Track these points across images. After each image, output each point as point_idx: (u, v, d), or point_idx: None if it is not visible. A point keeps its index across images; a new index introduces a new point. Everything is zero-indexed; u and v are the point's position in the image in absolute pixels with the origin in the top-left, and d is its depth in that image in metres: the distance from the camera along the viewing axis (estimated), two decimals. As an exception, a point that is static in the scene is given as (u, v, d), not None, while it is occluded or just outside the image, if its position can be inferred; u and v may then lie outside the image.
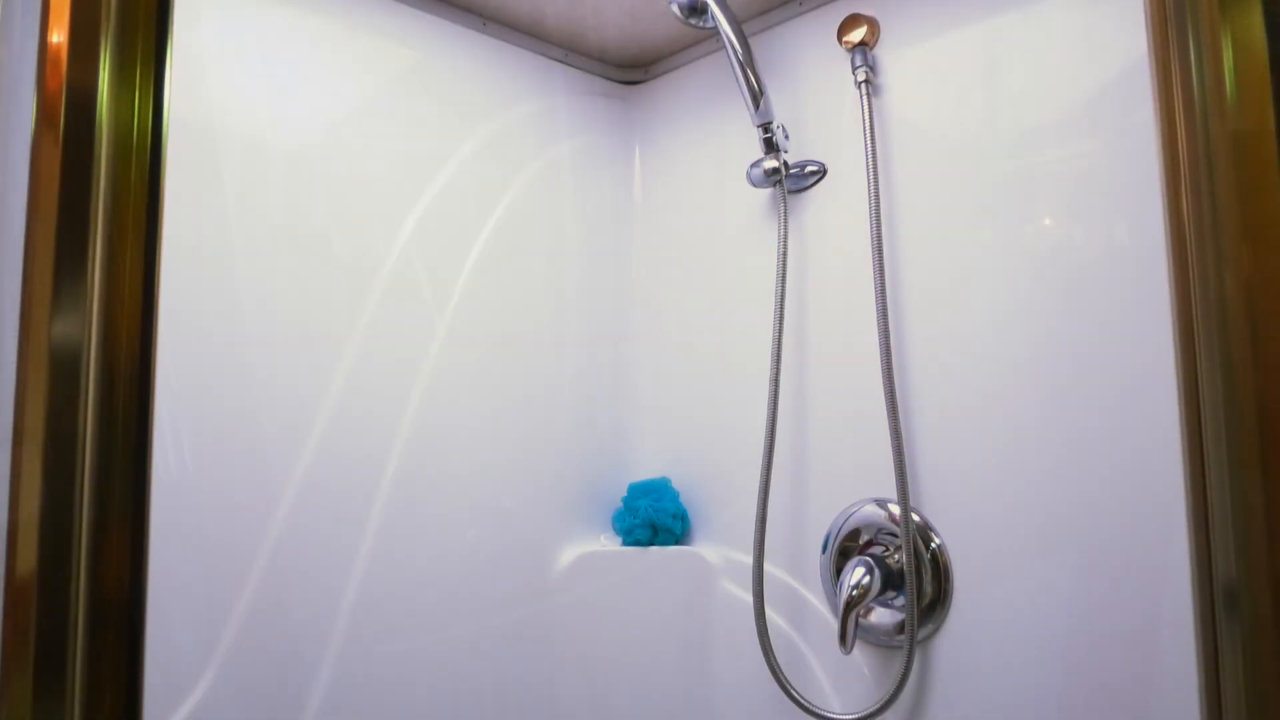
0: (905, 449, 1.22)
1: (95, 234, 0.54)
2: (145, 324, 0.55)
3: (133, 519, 0.55)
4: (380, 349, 1.30)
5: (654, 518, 1.46)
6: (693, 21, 1.43)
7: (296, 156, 1.26)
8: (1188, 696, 0.97)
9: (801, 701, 1.23)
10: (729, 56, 1.34)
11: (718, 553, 1.45)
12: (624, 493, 1.52)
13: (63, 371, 0.51)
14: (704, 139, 1.58)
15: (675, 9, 1.42)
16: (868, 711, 1.19)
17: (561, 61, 1.60)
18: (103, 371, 0.53)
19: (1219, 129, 0.56)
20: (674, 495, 1.50)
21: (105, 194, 0.55)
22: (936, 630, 1.19)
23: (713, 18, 1.35)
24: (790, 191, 1.42)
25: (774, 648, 1.27)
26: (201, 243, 1.16)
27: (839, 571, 1.28)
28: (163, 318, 0.59)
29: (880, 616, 1.24)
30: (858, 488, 1.29)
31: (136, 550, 0.56)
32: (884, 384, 1.21)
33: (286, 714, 1.17)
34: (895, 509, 1.24)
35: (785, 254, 1.36)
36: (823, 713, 1.22)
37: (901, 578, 1.20)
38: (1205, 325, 0.53)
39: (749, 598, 1.33)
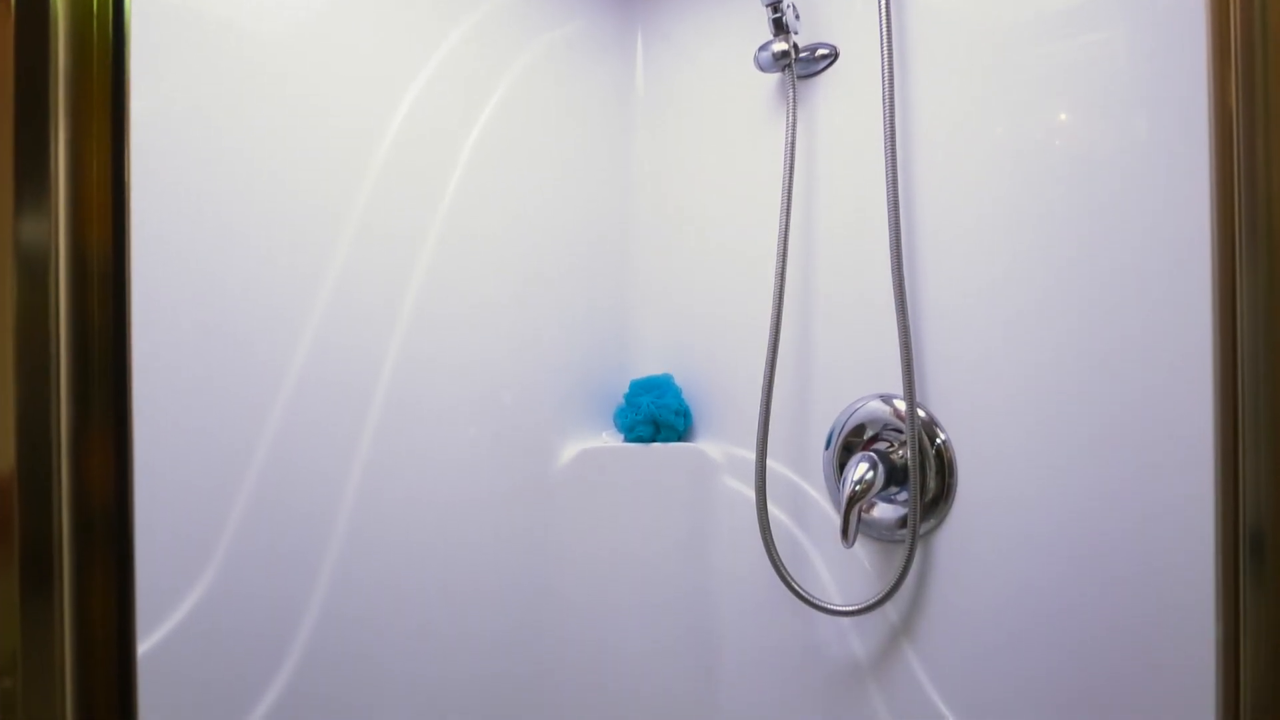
0: (913, 343, 1.20)
1: (56, 121, 0.50)
2: (117, 215, 0.52)
3: (115, 419, 0.53)
4: (375, 241, 1.27)
5: (656, 414, 1.45)
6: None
7: (272, 43, 1.19)
8: (1200, 598, 0.97)
9: (802, 594, 1.25)
10: (737, -72, 1.25)
11: (720, 449, 1.45)
12: (626, 389, 1.51)
13: (31, 271, 0.48)
14: (710, 21, 1.50)
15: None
16: (868, 603, 1.20)
17: (558, -65, 1.50)
18: (74, 268, 0.50)
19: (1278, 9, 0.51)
20: (676, 391, 1.48)
21: (65, 75, 0.51)
22: (938, 525, 1.20)
23: (720, -116, 1.26)
24: (800, 77, 1.35)
25: (776, 542, 1.28)
26: (175, 130, 1.11)
27: (842, 467, 1.27)
28: (138, 209, 0.55)
29: (883, 511, 1.24)
30: (863, 383, 1.27)
31: (120, 451, 0.54)
32: (893, 277, 1.18)
33: (287, 613, 1.18)
34: (900, 404, 1.22)
35: (794, 143, 1.31)
36: (824, 604, 1.24)
37: (905, 473, 1.20)
38: (1249, 223, 0.49)
39: (751, 493, 1.33)
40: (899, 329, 1.17)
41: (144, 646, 1.03)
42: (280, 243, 1.19)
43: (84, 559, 0.53)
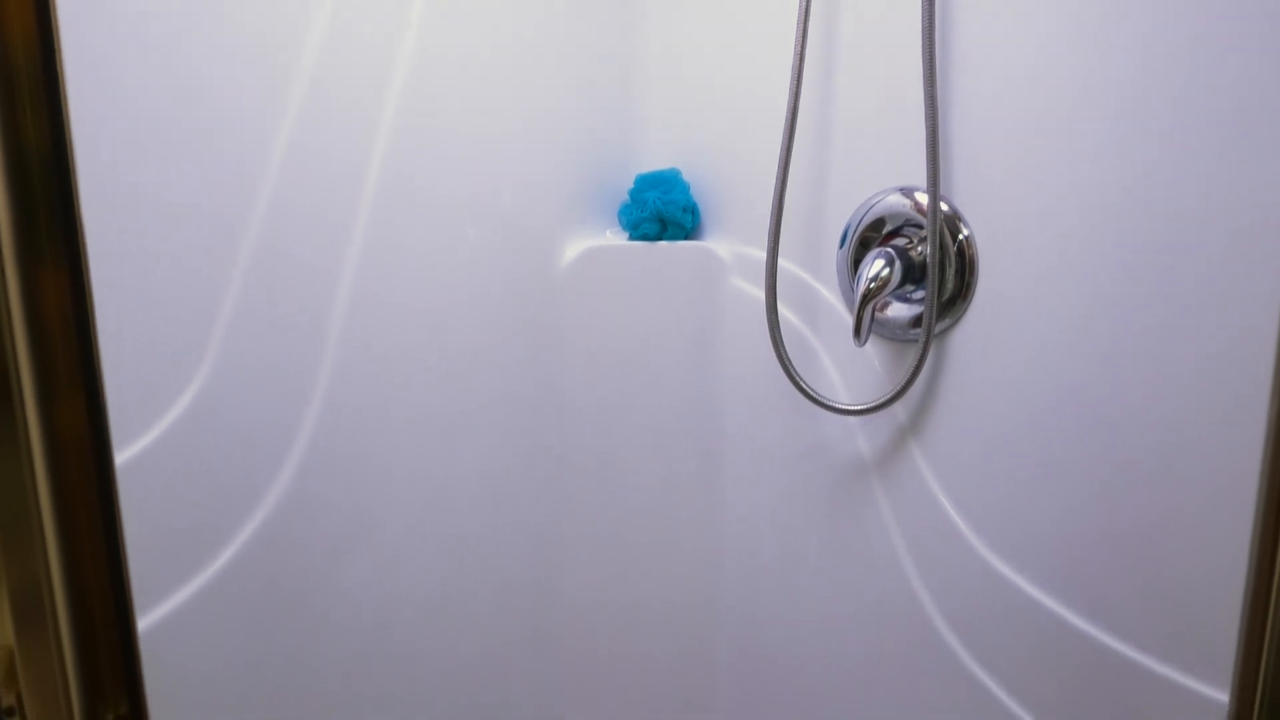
0: (940, 130, 1.11)
1: None
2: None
3: (64, 230, 0.48)
4: (354, 25, 1.15)
5: (662, 210, 1.38)
6: None
7: None
8: (1233, 410, 0.94)
9: (811, 393, 1.23)
10: None
11: (729, 248, 1.39)
12: (631, 184, 1.43)
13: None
14: None
15: None
16: (877, 402, 1.18)
17: None
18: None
19: None
20: (684, 187, 1.41)
21: None
22: (954, 325, 1.16)
23: None
24: None
25: (784, 342, 1.25)
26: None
27: (857, 264, 1.22)
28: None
29: (897, 310, 1.20)
30: (883, 176, 1.20)
31: (73, 259, 0.49)
32: (923, 54, 1.07)
33: (284, 414, 1.16)
34: (922, 197, 1.15)
35: (816, -100, 1.16)
36: (831, 404, 1.22)
37: (923, 271, 1.15)
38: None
39: (761, 294, 1.29)
40: (926, 111, 1.08)
41: (130, 452, 1.01)
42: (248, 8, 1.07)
43: (46, 375, 0.50)
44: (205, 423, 1.08)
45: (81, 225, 0.51)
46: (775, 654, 1.42)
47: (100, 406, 0.53)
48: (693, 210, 1.41)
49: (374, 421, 1.24)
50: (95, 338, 0.51)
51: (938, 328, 1.15)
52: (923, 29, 1.07)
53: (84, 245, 0.51)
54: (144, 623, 1.03)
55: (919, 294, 1.17)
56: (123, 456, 1.01)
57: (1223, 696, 0.96)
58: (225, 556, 1.11)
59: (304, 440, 1.17)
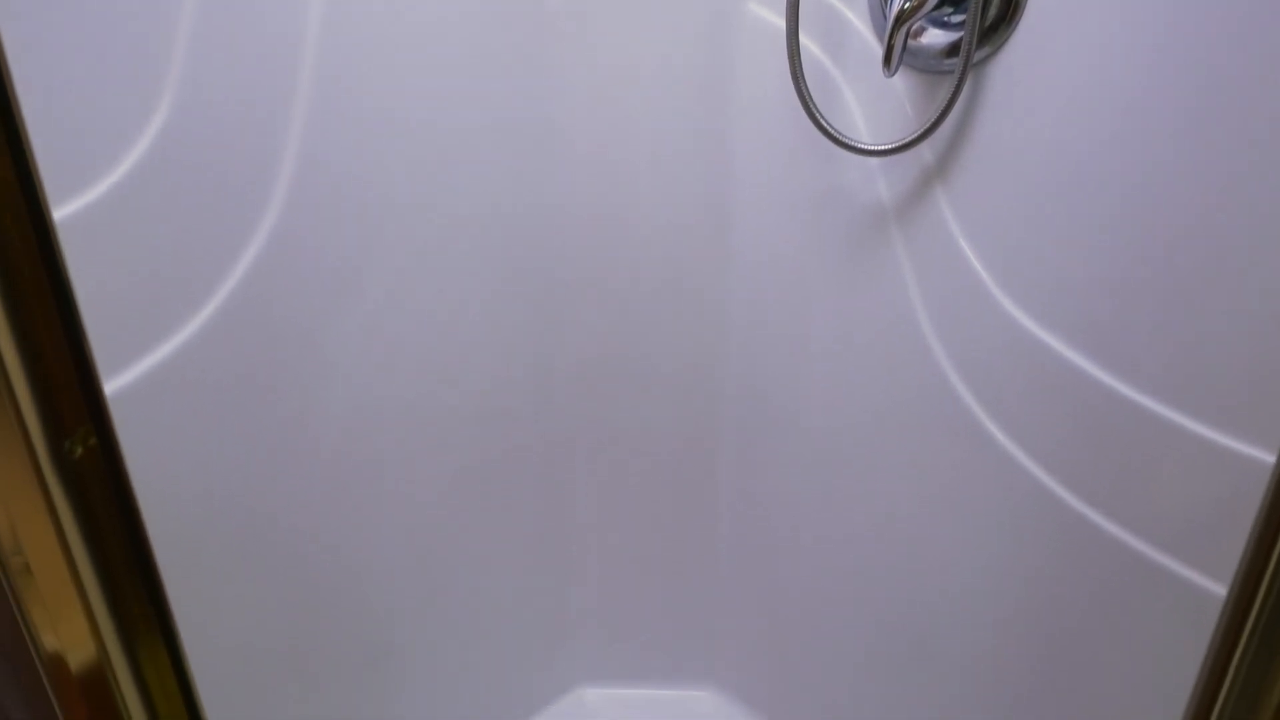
0: None
1: None
2: None
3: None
4: None
5: (672, -78, 1.21)
6: None
7: None
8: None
9: (831, 132, 1.13)
10: None
11: (746, -34, 1.23)
12: (635, -110, 1.25)
13: None
14: None
15: None
16: (903, 141, 1.09)
17: None
18: None
19: None
20: (696, -107, 1.23)
21: None
22: (994, 53, 1.04)
23: None
24: None
25: (805, 75, 1.13)
26: None
27: (891, -16, 1.08)
28: None
29: (932, 38, 1.07)
30: (929, -127, 1.03)
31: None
32: None
33: (267, 144, 1.07)
34: (973, -101, 0.99)
35: None
36: (854, 143, 1.13)
37: (965, -10, 1.01)
38: None
39: (781, 20, 1.16)
40: None
41: (89, 197, 0.93)
42: None
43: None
44: (176, 160, 0.99)
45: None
46: (780, 408, 1.41)
47: (24, 157, 0.47)
48: (706, -79, 1.24)
49: (361, 160, 1.15)
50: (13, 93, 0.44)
51: (977, 56, 1.04)
52: None
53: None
54: (130, 376, 1.00)
55: (958, 17, 1.04)
56: (81, 203, 0.93)
57: (1262, 454, 0.91)
58: (214, 303, 1.07)
59: (287, 175, 1.09)
